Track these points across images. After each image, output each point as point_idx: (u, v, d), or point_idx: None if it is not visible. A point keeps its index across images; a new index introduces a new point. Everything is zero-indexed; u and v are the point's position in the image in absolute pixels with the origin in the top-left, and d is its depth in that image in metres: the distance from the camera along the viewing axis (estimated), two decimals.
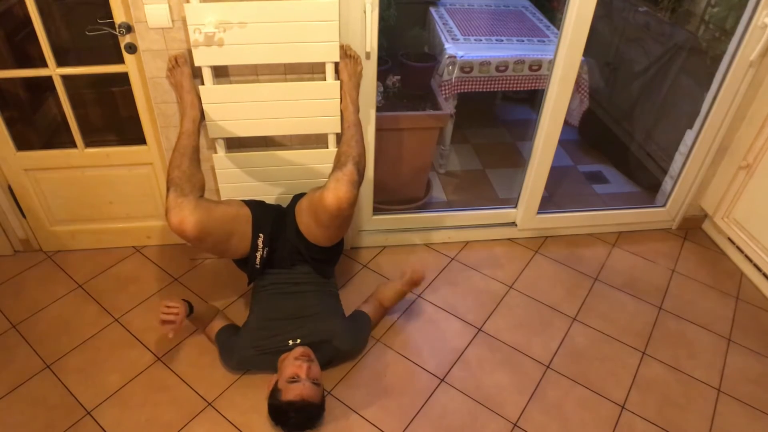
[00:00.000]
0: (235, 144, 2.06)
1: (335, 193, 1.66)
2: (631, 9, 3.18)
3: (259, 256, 1.88)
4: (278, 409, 1.67)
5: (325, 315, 1.90)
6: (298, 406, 1.64)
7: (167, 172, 1.75)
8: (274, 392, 1.70)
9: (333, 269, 2.06)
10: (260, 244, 1.87)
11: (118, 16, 1.85)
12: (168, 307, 1.79)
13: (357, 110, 1.91)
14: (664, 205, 2.63)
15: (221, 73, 1.90)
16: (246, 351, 1.83)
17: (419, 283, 2.06)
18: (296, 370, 1.68)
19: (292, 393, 1.65)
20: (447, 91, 2.73)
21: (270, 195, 2.10)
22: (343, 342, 1.87)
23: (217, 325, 1.95)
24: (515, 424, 1.81)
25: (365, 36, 1.87)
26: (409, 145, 2.57)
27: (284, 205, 2.06)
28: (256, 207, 1.92)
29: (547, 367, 2.00)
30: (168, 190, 1.69)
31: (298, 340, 1.82)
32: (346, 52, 1.87)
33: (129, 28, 1.85)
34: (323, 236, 1.85)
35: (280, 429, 1.75)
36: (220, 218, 1.76)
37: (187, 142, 1.80)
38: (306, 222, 1.86)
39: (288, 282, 1.92)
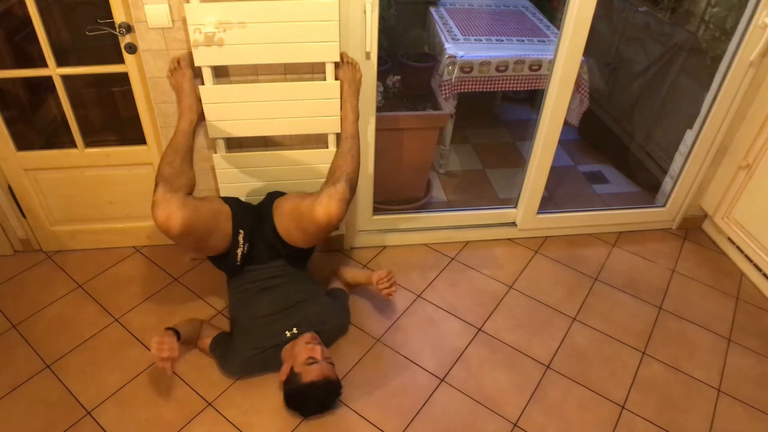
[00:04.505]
0: (235, 144, 2.06)
1: (326, 210, 1.69)
2: (631, 9, 3.18)
3: (240, 253, 1.88)
4: (300, 392, 1.69)
5: (312, 301, 1.93)
6: (321, 384, 1.68)
7: (158, 168, 1.74)
8: (292, 377, 1.71)
9: (306, 263, 2.08)
10: (241, 240, 1.88)
11: (118, 16, 1.85)
12: (160, 343, 1.71)
13: (356, 119, 1.91)
14: (664, 205, 2.63)
15: (221, 73, 1.90)
16: (246, 353, 1.82)
17: (381, 287, 2.00)
18: (311, 353, 1.72)
19: (313, 373, 1.68)
20: (447, 91, 2.73)
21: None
22: (336, 321, 1.97)
23: (207, 336, 1.94)
24: (515, 424, 1.81)
25: (365, 36, 1.87)
26: (409, 145, 2.57)
27: (255, 203, 2.06)
28: (235, 203, 1.94)
29: (547, 367, 2.00)
30: (157, 185, 1.67)
31: (294, 329, 1.83)
32: (344, 59, 1.88)
33: (129, 28, 1.85)
34: (302, 240, 1.87)
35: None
36: (205, 215, 1.76)
37: (182, 141, 1.80)
38: (286, 225, 1.88)
39: (265, 277, 1.93)
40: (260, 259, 1.94)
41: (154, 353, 1.70)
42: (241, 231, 1.87)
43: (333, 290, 2.09)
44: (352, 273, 2.17)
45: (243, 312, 1.91)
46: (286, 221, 1.88)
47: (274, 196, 2.01)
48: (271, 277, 1.93)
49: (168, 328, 1.82)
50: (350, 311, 2.08)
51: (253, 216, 1.95)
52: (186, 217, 1.65)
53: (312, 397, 1.70)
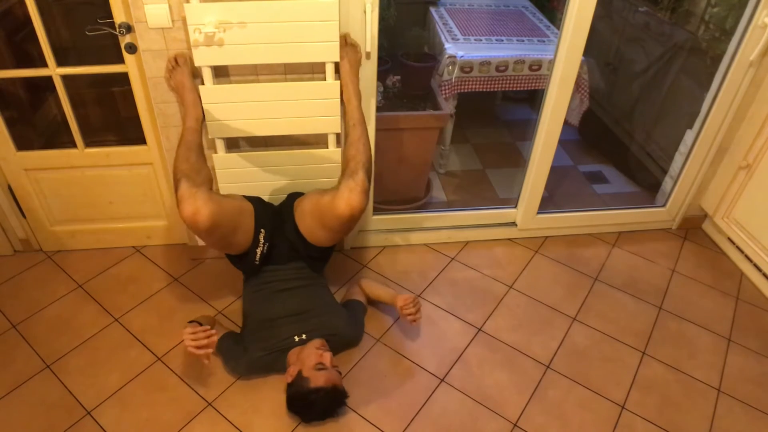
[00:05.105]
0: (235, 144, 2.06)
1: (348, 203, 1.68)
2: (631, 9, 3.18)
3: (259, 252, 1.88)
4: (306, 397, 1.68)
5: (326, 309, 1.92)
6: (327, 391, 1.67)
7: (174, 166, 1.73)
8: (299, 381, 1.70)
9: (324, 267, 2.08)
10: (261, 240, 1.87)
11: (118, 16, 1.85)
12: (194, 333, 1.66)
13: (360, 102, 1.90)
14: (664, 205, 2.63)
15: (221, 73, 1.90)
16: (253, 355, 1.82)
17: (406, 313, 1.94)
18: (320, 359, 1.71)
19: (321, 379, 1.68)
20: (447, 91, 2.73)
21: (270, 195, 2.10)
22: (348, 333, 1.94)
23: (216, 334, 1.94)
24: (515, 424, 1.81)
25: (365, 36, 1.87)
26: (409, 145, 2.57)
27: (276, 203, 2.06)
28: (257, 202, 1.94)
29: (547, 367, 2.00)
30: (179, 181, 1.66)
31: (304, 335, 1.83)
32: (346, 40, 1.87)
33: (129, 28, 1.85)
34: (326, 238, 1.86)
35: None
36: (230, 211, 1.76)
37: (192, 138, 1.80)
38: (309, 224, 1.87)
39: (281, 279, 1.93)
40: (280, 260, 1.94)
41: (190, 344, 1.65)
42: (262, 230, 1.88)
43: (351, 302, 2.06)
44: (375, 289, 2.12)
45: (255, 312, 1.91)
46: (308, 220, 1.87)
47: (294, 196, 2.01)
48: (288, 279, 1.93)
49: (191, 322, 1.83)
50: (364, 326, 2.06)
51: (275, 216, 1.96)
52: (213, 212, 1.63)
53: (317, 403, 1.69)
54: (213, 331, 1.68)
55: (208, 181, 1.76)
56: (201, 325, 1.80)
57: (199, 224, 1.63)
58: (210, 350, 1.67)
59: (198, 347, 1.65)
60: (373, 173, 2.25)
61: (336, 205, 1.69)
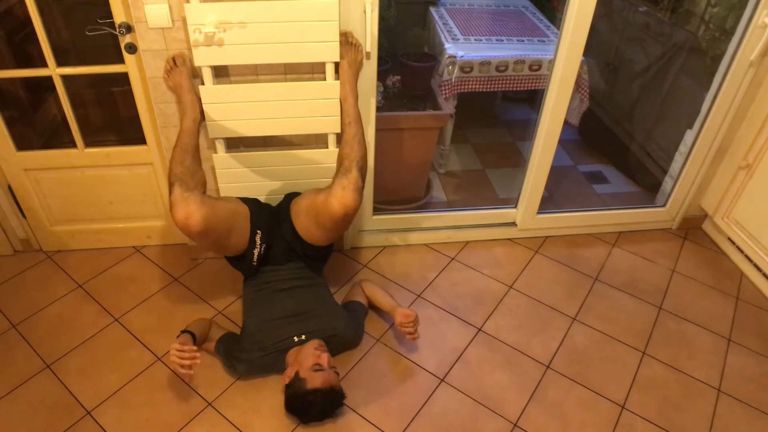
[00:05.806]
0: (235, 144, 2.06)
1: (342, 201, 1.68)
2: (631, 9, 3.18)
3: (256, 253, 1.88)
4: (303, 398, 1.68)
5: (326, 310, 1.92)
6: (325, 392, 1.67)
7: (169, 168, 1.73)
8: (297, 382, 1.70)
9: (323, 266, 2.07)
10: (258, 241, 1.88)
11: (118, 16, 1.85)
12: (181, 351, 1.66)
13: (356, 101, 1.90)
14: (664, 205, 2.63)
15: (221, 73, 1.90)
16: (252, 355, 1.82)
17: (405, 331, 1.92)
18: (318, 360, 1.71)
19: (318, 380, 1.67)
20: (447, 91, 2.74)
21: (269, 195, 2.10)
22: (348, 334, 1.93)
23: (212, 338, 1.94)
24: (515, 424, 1.81)
25: (365, 36, 1.87)
26: (409, 145, 2.57)
27: (274, 204, 2.06)
28: (253, 204, 1.94)
29: (547, 367, 2.00)
30: (172, 185, 1.66)
31: (303, 336, 1.83)
32: (347, 39, 1.87)
33: (129, 28, 1.86)
34: (322, 237, 1.86)
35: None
36: (223, 214, 1.76)
37: (188, 140, 1.80)
38: (305, 223, 1.87)
39: (281, 279, 1.93)
40: (277, 261, 1.94)
41: (175, 361, 1.66)
42: (258, 231, 1.88)
43: (351, 303, 2.06)
44: (376, 296, 2.09)
45: (255, 313, 1.91)
46: (303, 219, 1.88)
47: (291, 196, 2.01)
48: (286, 279, 1.93)
49: (183, 331, 1.82)
50: (364, 328, 2.05)
51: (272, 217, 1.96)
52: (205, 216, 1.64)
53: (314, 404, 1.68)
54: (198, 354, 1.68)
55: (201, 184, 1.75)
56: (193, 336, 1.80)
57: (191, 228, 1.63)
58: (191, 372, 1.67)
59: (181, 366, 1.66)
60: (374, 173, 2.26)
61: (329, 203, 1.70)
